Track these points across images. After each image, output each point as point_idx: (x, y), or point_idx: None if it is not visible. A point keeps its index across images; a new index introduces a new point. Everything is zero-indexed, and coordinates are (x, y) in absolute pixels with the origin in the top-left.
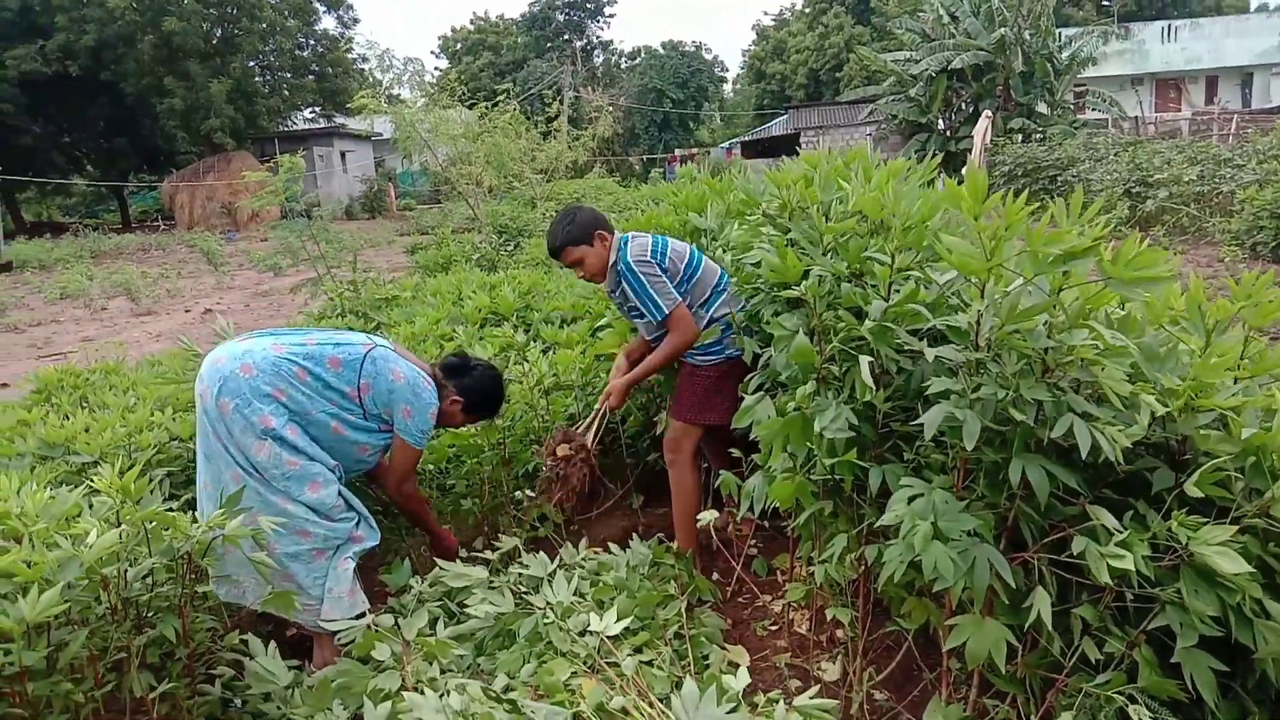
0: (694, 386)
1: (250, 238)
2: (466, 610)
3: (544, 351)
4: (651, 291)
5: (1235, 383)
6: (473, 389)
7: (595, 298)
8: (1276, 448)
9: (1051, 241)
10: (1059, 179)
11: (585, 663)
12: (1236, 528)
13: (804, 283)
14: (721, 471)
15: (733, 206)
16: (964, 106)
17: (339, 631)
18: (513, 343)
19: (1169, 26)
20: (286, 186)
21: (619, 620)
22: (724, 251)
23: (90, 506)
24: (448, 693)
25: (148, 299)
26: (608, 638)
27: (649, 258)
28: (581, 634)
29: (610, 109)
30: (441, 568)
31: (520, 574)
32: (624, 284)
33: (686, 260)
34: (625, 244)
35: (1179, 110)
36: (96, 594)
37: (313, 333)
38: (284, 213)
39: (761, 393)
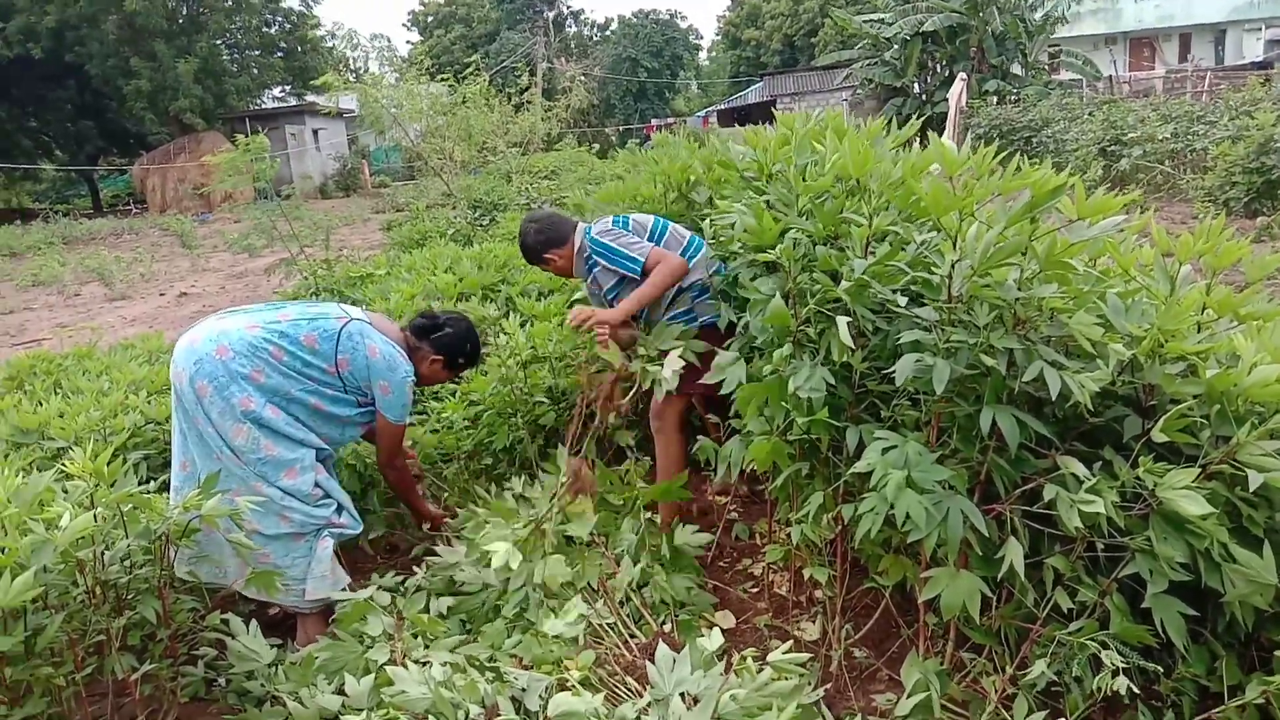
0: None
1: (224, 219)
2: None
3: (521, 325)
4: (622, 250)
5: (1199, 330)
6: (448, 344)
7: None
8: (1241, 390)
9: (1020, 182)
10: (1034, 140)
11: (569, 641)
12: (1201, 471)
13: (779, 246)
14: (699, 438)
15: (715, 173)
16: (939, 69)
17: (323, 611)
18: (485, 317)
19: None
20: (255, 166)
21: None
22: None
23: (65, 491)
24: (430, 664)
25: (122, 284)
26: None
27: (611, 227)
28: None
29: (583, 79)
30: (436, 549)
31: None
32: (597, 259)
33: (650, 227)
34: (588, 230)
35: (1153, 69)
36: (73, 578)
37: (287, 307)
38: (258, 193)
39: (736, 355)
